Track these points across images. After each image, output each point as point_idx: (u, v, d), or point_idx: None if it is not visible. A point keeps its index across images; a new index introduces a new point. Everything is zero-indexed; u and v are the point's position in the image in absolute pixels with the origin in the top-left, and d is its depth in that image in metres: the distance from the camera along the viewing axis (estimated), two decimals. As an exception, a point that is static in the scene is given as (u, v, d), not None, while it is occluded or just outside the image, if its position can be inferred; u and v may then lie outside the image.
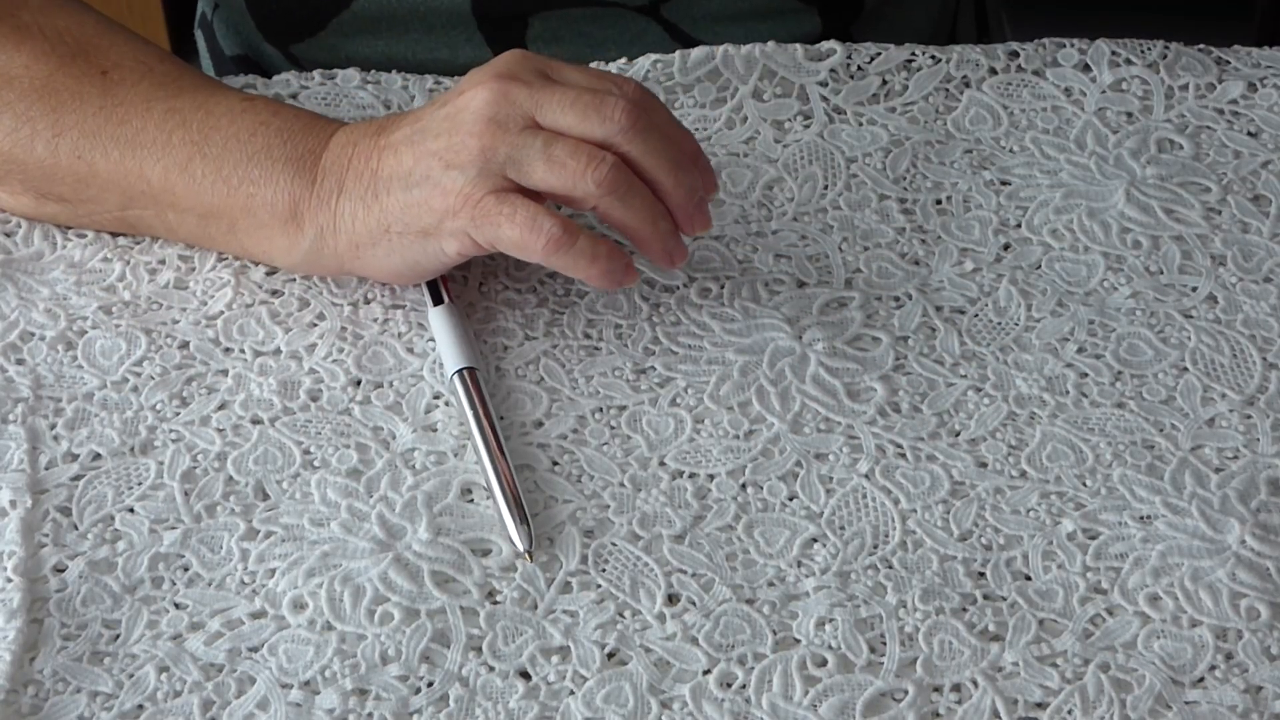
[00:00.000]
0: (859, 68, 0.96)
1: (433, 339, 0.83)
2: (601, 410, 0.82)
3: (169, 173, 0.84)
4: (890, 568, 0.75)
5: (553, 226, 0.76)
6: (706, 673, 0.71)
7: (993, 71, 0.97)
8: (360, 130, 0.83)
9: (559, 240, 0.76)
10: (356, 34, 0.98)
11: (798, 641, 0.72)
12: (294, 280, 0.87)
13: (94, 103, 0.85)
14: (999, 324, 0.85)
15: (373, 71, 0.97)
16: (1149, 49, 0.99)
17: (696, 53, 0.96)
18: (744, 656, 0.72)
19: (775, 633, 0.73)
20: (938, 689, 0.71)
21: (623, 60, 0.97)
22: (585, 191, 0.76)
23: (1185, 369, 0.83)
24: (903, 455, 0.80)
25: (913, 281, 0.87)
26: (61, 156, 0.85)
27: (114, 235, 0.88)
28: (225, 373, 0.83)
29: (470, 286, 0.87)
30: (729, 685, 0.71)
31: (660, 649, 0.72)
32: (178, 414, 0.81)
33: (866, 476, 0.79)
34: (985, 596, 0.74)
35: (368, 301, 0.86)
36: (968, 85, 0.96)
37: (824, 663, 0.72)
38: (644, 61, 0.96)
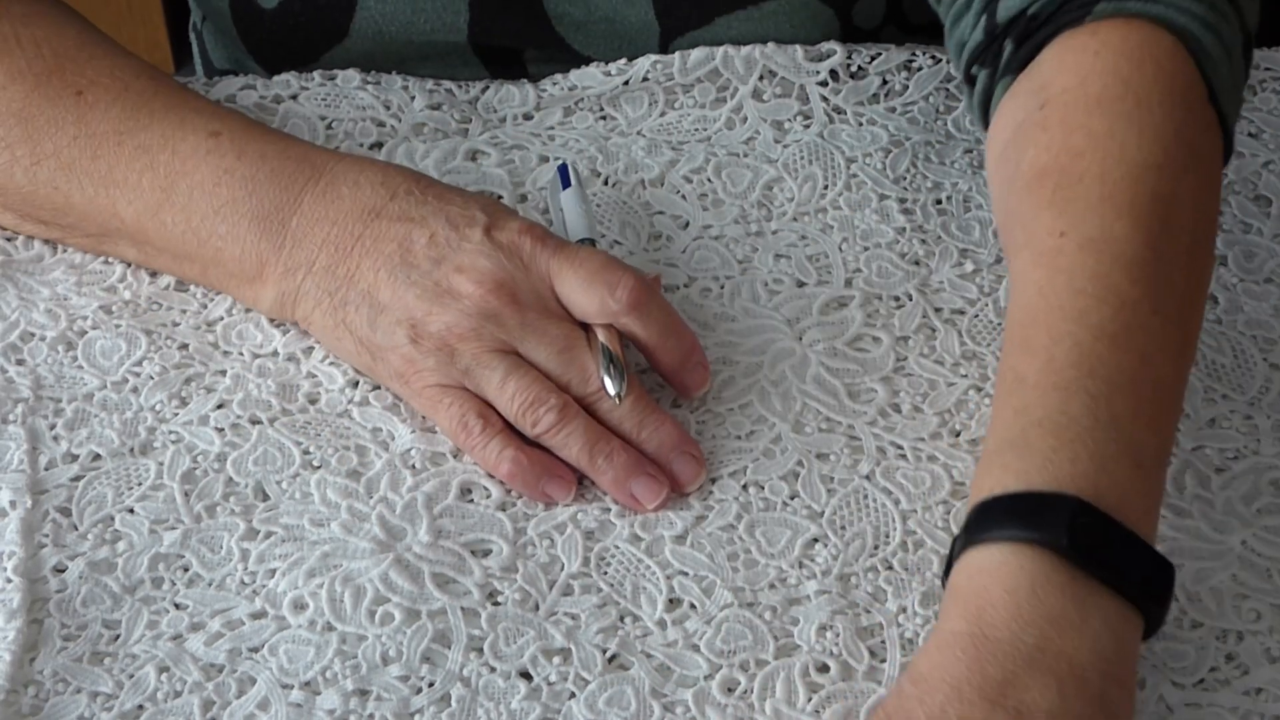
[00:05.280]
0: (859, 68, 0.96)
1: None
2: (602, 411, 0.81)
3: (141, 216, 0.84)
4: (891, 569, 0.75)
5: (477, 428, 0.78)
6: (709, 678, 0.71)
7: (993, 71, 0.97)
8: (342, 202, 0.82)
9: (479, 440, 0.78)
10: (350, 66, 0.98)
11: (799, 648, 0.72)
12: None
13: (69, 131, 0.84)
14: (999, 324, 0.85)
15: (373, 72, 0.97)
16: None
17: (696, 53, 0.96)
18: (746, 663, 0.72)
19: (776, 639, 0.73)
20: (939, 691, 0.71)
21: (623, 61, 0.97)
22: (521, 427, 0.78)
23: (1186, 370, 0.83)
24: (903, 456, 0.80)
25: (913, 282, 0.87)
26: (40, 185, 0.85)
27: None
28: (224, 373, 0.83)
29: (470, 286, 0.87)
30: (731, 691, 0.71)
31: (662, 655, 0.72)
32: (177, 414, 0.81)
33: (867, 478, 0.79)
34: (986, 598, 0.74)
35: (368, 302, 0.86)
36: (968, 86, 0.96)
37: (826, 669, 0.72)
38: (644, 62, 0.96)
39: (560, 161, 0.88)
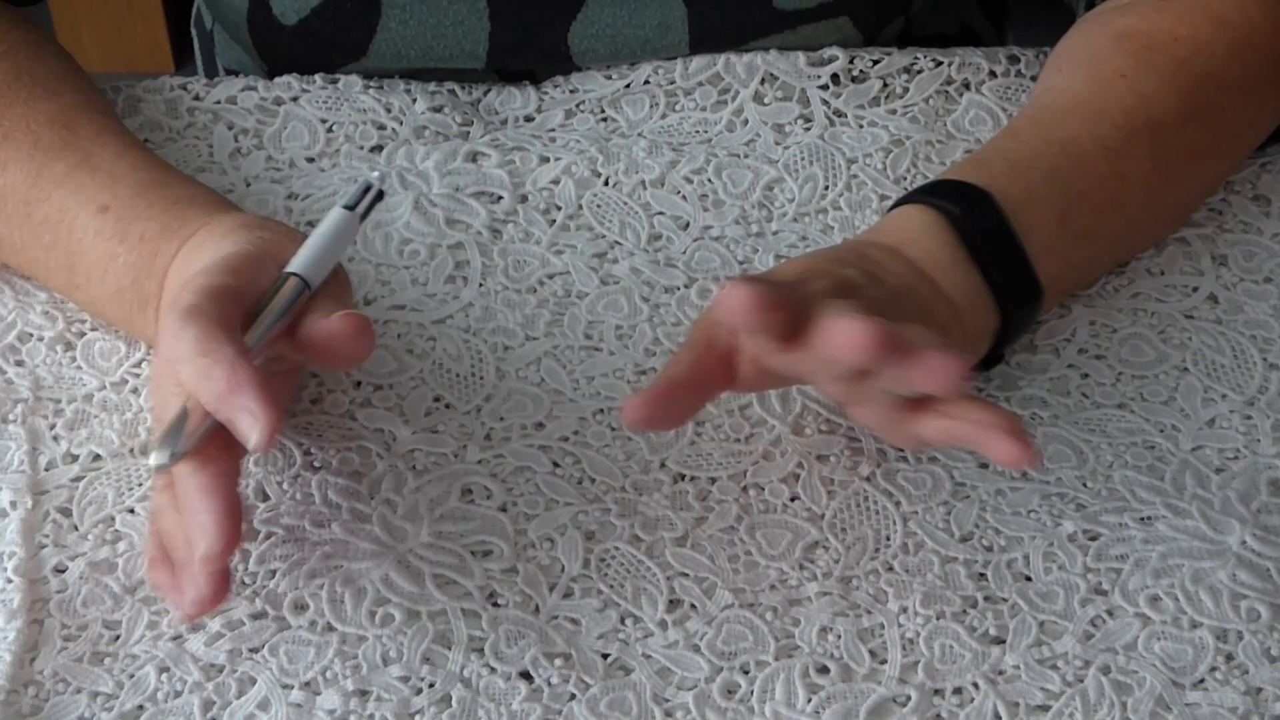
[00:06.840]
0: (860, 72, 0.96)
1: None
2: (603, 412, 0.82)
3: (60, 289, 0.84)
4: (891, 571, 0.75)
5: None
6: (709, 680, 0.71)
7: (992, 75, 0.97)
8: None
9: None
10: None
11: (800, 649, 0.72)
12: (294, 281, 0.86)
13: None
14: (999, 325, 0.85)
15: (375, 77, 0.97)
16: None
17: (698, 60, 0.96)
18: (746, 665, 0.72)
19: (777, 640, 0.73)
20: (939, 692, 0.71)
21: (625, 66, 0.97)
22: None
23: (1186, 370, 0.83)
24: (904, 457, 0.80)
25: (913, 282, 0.87)
26: None
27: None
28: (226, 374, 0.83)
29: (470, 286, 0.87)
30: (732, 694, 0.71)
31: (662, 657, 0.72)
32: (178, 415, 0.81)
33: (868, 479, 0.79)
34: (986, 598, 0.74)
35: (368, 303, 0.86)
36: (967, 88, 0.96)
37: (826, 670, 0.72)
38: (645, 67, 0.96)
39: (377, 173, 0.78)
